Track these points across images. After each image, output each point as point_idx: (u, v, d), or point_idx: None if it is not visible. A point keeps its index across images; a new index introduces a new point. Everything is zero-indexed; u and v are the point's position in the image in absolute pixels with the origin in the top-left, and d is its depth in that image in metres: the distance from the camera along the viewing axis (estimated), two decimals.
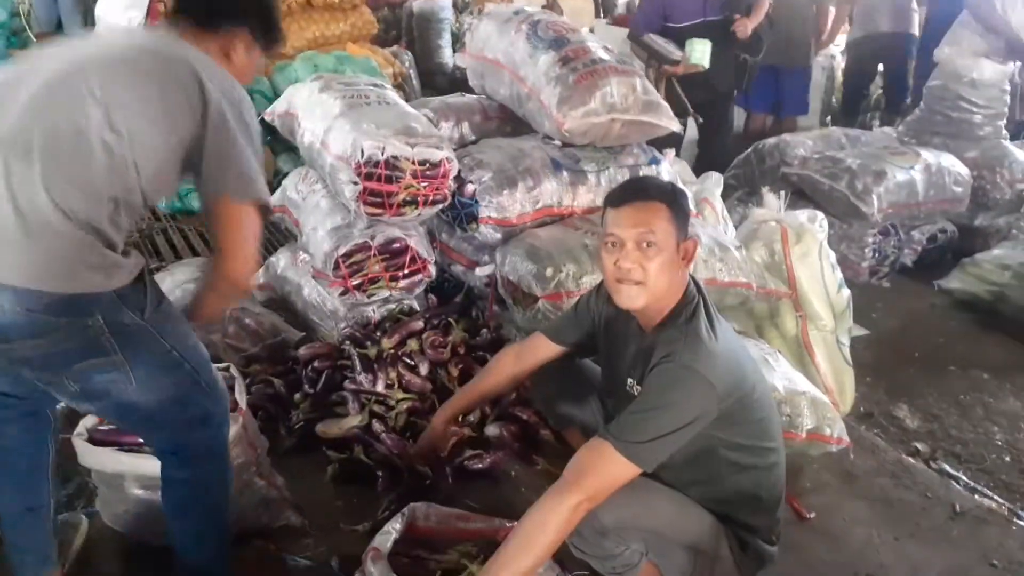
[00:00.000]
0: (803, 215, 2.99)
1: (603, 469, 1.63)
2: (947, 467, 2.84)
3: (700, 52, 4.24)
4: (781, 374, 2.57)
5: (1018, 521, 2.52)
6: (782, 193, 3.08)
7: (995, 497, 2.67)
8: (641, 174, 3.07)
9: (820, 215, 3.02)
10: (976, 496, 2.64)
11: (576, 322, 2.10)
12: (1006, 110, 4.75)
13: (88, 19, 5.31)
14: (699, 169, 3.99)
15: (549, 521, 1.60)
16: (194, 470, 1.73)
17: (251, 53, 1.77)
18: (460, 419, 2.53)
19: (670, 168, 3.26)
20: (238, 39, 1.74)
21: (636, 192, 1.80)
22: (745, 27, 4.39)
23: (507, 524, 1.96)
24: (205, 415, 1.70)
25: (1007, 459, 2.92)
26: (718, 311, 1.85)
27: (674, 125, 3.09)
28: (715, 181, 3.60)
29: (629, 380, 1.86)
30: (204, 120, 1.54)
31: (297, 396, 2.60)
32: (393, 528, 1.93)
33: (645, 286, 1.75)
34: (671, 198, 1.79)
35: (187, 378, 1.65)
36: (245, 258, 1.67)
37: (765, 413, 1.81)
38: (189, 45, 1.63)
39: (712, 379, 1.64)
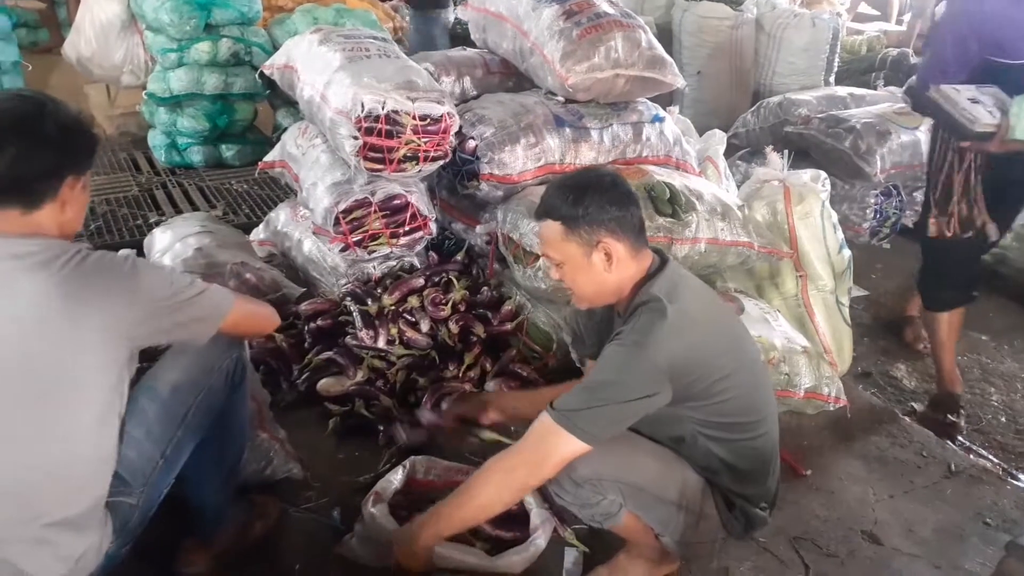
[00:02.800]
0: (806, 175, 2.97)
1: (546, 442, 1.63)
2: None
3: None
4: (780, 333, 2.58)
5: (1012, 480, 2.55)
6: (785, 152, 3.05)
7: (990, 457, 2.71)
8: (644, 131, 3.04)
9: (823, 175, 3.00)
10: (971, 455, 2.67)
11: (587, 320, 2.01)
12: None
13: None
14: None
15: (500, 498, 1.70)
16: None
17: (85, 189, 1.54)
18: (461, 373, 2.55)
19: (673, 126, 3.22)
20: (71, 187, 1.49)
21: (539, 212, 1.75)
22: None
23: None
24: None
25: (1003, 419, 2.95)
26: (705, 285, 1.84)
27: (679, 81, 3.04)
28: (719, 139, 3.58)
29: None
30: None
31: (310, 356, 2.59)
32: (394, 478, 1.96)
33: (576, 295, 1.81)
34: (563, 212, 1.70)
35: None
36: None
37: (743, 391, 1.74)
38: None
39: (657, 358, 1.59)
